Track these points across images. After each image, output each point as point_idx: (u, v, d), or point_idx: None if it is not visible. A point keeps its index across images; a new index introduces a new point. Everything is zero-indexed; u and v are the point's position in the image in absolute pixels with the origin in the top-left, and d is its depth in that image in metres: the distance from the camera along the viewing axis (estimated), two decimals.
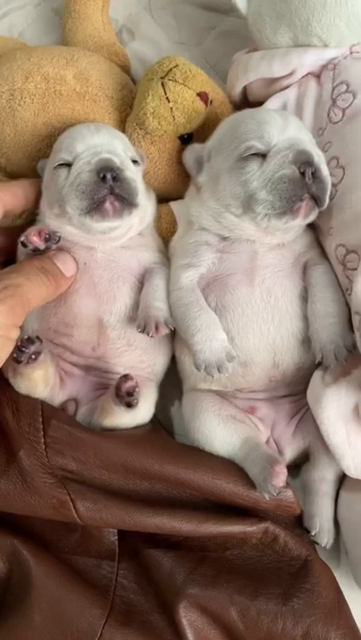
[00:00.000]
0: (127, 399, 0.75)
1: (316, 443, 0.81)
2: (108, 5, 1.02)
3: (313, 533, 0.77)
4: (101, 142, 0.80)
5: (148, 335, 0.78)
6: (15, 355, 0.74)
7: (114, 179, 0.76)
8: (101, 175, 0.76)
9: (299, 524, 0.79)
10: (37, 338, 0.76)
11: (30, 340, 0.75)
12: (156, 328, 0.78)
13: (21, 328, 0.74)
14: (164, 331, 0.78)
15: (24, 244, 0.78)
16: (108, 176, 0.76)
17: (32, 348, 0.75)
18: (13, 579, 0.77)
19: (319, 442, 0.78)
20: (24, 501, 0.74)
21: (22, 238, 0.77)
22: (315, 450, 0.82)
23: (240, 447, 0.78)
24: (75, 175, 0.77)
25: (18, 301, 0.70)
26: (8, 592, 0.77)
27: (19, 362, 0.75)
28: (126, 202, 0.78)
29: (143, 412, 0.83)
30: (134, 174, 0.80)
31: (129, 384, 0.75)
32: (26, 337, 0.75)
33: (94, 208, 0.77)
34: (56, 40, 1.08)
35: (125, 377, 0.76)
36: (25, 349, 0.74)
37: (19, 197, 0.83)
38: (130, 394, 0.75)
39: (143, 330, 0.78)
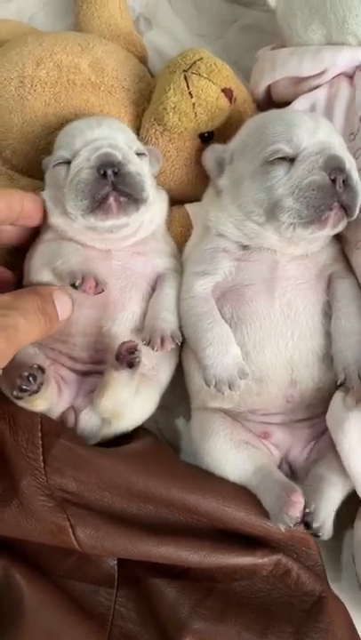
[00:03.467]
0: (129, 357, 0.71)
1: (330, 464, 0.75)
2: None
3: (315, 526, 0.70)
4: (102, 136, 0.75)
5: (153, 349, 0.74)
6: (20, 385, 0.69)
7: (115, 174, 0.72)
8: (102, 172, 0.71)
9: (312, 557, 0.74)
10: (40, 368, 0.71)
11: (33, 376, 0.70)
12: (162, 342, 0.73)
13: None
14: (170, 346, 0.74)
15: (75, 287, 0.71)
16: (109, 172, 0.71)
17: (35, 385, 0.70)
18: (4, 604, 0.71)
19: (335, 463, 0.73)
20: (19, 525, 0.68)
21: (77, 282, 0.71)
22: (327, 469, 0.75)
23: (253, 474, 0.73)
24: (74, 173, 0.73)
25: (11, 344, 0.64)
26: None
27: (23, 392, 0.70)
28: (132, 197, 0.73)
29: (142, 402, 0.79)
30: (139, 167, 0.75)
31: (129, 344, 0.72)
32: (26, 374, 0.70)
33: (97, 207, 0.72)
34: (69, 26, 1.02)
35: (124, 342, 0.72)
36: (27, 387, 0.70)
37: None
38: (131, 352, 0.71)
39: (148, 343, 0.74)
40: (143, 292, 0.78)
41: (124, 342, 0.72)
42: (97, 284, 0.71)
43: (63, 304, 0.72)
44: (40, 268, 0.76)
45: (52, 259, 0.75)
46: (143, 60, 0.95)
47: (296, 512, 0.68)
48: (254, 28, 1.02)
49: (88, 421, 0.78)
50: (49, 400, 0.75)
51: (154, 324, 0.75)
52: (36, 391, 0.71)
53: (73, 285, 0.71)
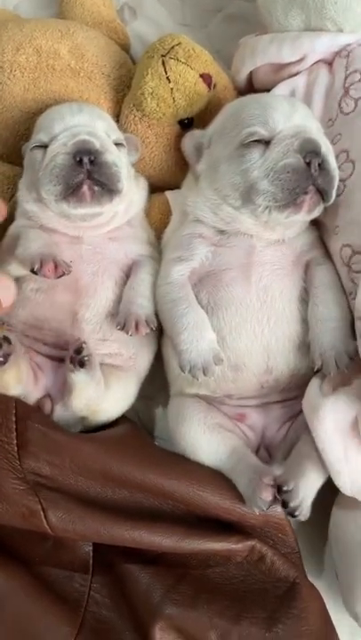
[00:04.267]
0: (78, 358, 0.71)
1: (307, 448, 0.74)
2: None
3: (292, 505, 0.69)
4: (81, 123, 0.75)
5: (128, 334, 0.74)
6: None
7: (92, 162, 0.72)
8: (78, 158, 0.72)
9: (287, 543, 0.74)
10: (6, 338, 0.71)
11: (6, 339, 0.70)
12: (137, 327, 0.74)
13: None
14: (145, 330, 0.75)
15: (35, 273, 0.72)
16: (85, 159, 0.72)
17: (3, 349, 0.70)
18: None
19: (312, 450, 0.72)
20: None
21: (36, 267, 0.71)
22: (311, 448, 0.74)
23: (227, 457, 0.73)
24: (50, 157, 0.73)
25: None
26: None
27: None
28: (106, 187, 0.73)
29: (117, 394, 0.79)
30: (116, 158, 0.75)
31: (75, 343, 0.72)
32: (1, 336, 0.70)
33: (71, 193, 0.72)
34: (53, 15, 1.01)
35: (73, 342, 0.73)
36: None
37: None
38: (78, 351, 0.72)
39: (123, 327, 0.75)
40: (116, 277, 0.79)
41: (72, 342, 0.73)
42: (57, 267, 0.71)
43: (4, 289, 0.71)
44: (5, 257, 0.77)
45: (14, 247, 0.75)
46: (125, 47, 0.95)
47: (269, 495, 0.68)
48: (238, 17, 1.02)
49: (63, 414, 0.77)
50: (21, 380, 0.74)
51: (129, 309, 0.75)
52: (3, 362, 0.70)
53: (33, 271, 0.71)
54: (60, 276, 0.72)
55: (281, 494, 0.68)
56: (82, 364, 0.72)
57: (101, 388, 0.75)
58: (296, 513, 0.69)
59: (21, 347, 0.76)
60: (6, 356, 0.71)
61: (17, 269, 0.76)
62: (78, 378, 0.73)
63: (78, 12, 0.93)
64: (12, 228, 0.81)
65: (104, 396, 0.76)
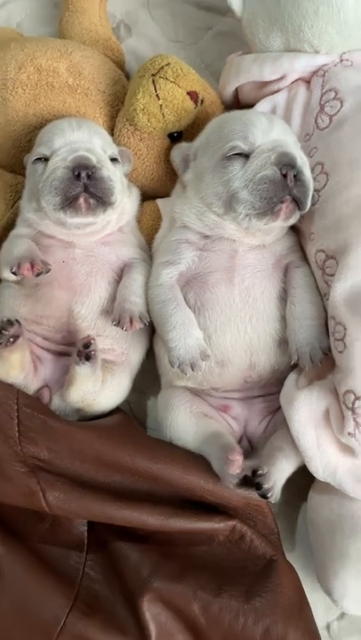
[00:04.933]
0: (85, 352, 0.77)
1: (286, 436, 0.79)
2: (106, 1, 1.03)
3: (265, 487, 0.74)
4: (80, 139, 0.81)
5: (123, 329, 0.79)
6: None
7: (88, 177, 0.78)
8: (76, 173, 0.78)
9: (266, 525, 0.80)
10: (16, 321, 0.78)
11: (10, 323, 0.77)
12: (131, 322, 0.79)
13: None
14: (138, 325, 0.80)
15: (14, 273, 0.79)
16: (83, 174, 0.78)
17: (11, 331, 0.77)
18: None
19: (290, 436, 0.77)
20: None
21: (14, 268, 0.78)
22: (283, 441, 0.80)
23: (207, 441, 0.79)
24: (50, 170, 0.79)
25: None
26: None
27: None
28: (101, 200, 0.79)
29: (113, 388, 0.84)
30: (111, 173, 0.81)
31: (84, 339, 0.78)
32: (5, 319, 0.77)
33: (68, 204, 0.78)
34: (53, 32, 1.08)
35: (82, 338, 0.78)
36: (4, 331, 0.76)
37: None
38: (86, 346, 0.77)
39: (118, 323, 0.80)
40: (109, 277, 0.85)
41: (81, 338, 0.79)
42: (33, 266, 0.78)
43: None
44: (2, 263, 0.84)
45: (5, 255, 0.83)
46: (120, 64, 1.01)
47: (235, 469, 0.73)
48: (228, 34, 1.07)
49: (60, 404, 0.83)
50: (24, 365, 0.80)
51: (123, 306, 0.81)
52: (13, 342, 0.76)
53: (13, 273, 0.78)
54: (39, 274, 0.78)
55: (255, 477, 0.74)
56: (88, 358, 0.77)
57: (99, 385, 0.81)
58: (268, 495, 0.74)
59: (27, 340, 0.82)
60: (16, 337, 0.77)
61: (6, 274, 0.84)
62: (82, 370, 0.78)
63: (77, 31, 0.99)
64: (11, 236, 0.87)
65: (102, 389, 0.82)
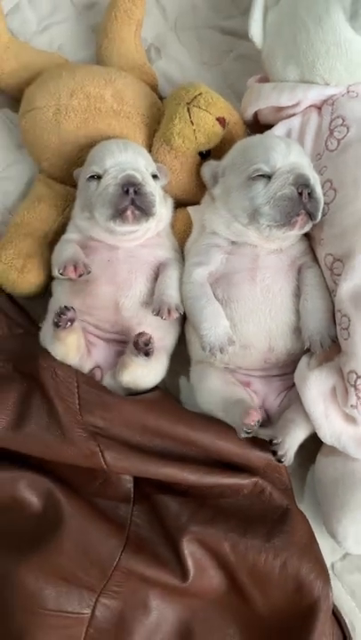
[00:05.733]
0: (145, 349, 0.88)
1: (298, 410, 0.92)
2: (141, 29, 1.12)
3: (280, 453, 0.86)
4: (127, 160, 0.92)
5: (162, 318, 0.90)
6: (55, 319, 0.87)
7: (135, 192, 0.89)
8: (125, 189, 0.89)
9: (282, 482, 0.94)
10: (72, 308, 0.89)
11: (67, 308, 0.88)
12: (169, 312, 0.90)
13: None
14: (175, 314, 0.90)
15: (61, 274, 0.91)
16: (131, 190, 0.88)
17: (68, 315, 0.88)
18: (48, 513, 0.89)
19: (301, 410, 0.90)
20: (62, 450, 0.87)
21: (60, 270, 0.90)
22: (295, 414, 0.92)
23: (232, 404, 0.89)
24: (103, 187, 0.90)
25: None
26: (43, 524, 0.89)
27: (58, 325, 0.88)
28: (144, 211, 0.90)
29: (156, 369, 0.95)
30: (153, 188, 0.93)
31: (145, 337, 0.88)
32: (63, 305, 0.88)
33: (118, 216, 0.90)
34: (91, 55, 1.17)
35: (140, 334, 0.89)
36: (63, 315, 0.87)
37: None
38: (147, 344, 0.89)
39: (158, 313, 0.90)
40: (147, 274, 0.95)
41: (140, 334, 0.88)
42: (76, 268, 0.90)
43: None
44: (53, 264, 0.97)
45: (56, 258, 0.96)
46: (154, 86, 1.11)
47: (251, 420, 0.84)
48: (247, 57, 1.14)
49: (110, 382, 0.96)
50: (80, 346, 0.92)
51: (161, 299, 0.92)
52: (70, 325, 0.88)
53: (60, 273, 0.91)
54: (81, 275, 0.90)
55: (272, 446, 0.87)
56: (147, 354, 0.88)
57: (148, 370, 0.93)
58: (283, 459, 0.86)
59: (80, 329, 0.94)
60: (72, 320, 0.88)
61: (56, 272, 0.97)
62: (138, 361, 0.90)
63: (115, 59, 1.08)
64: (62, 240, 0.98)
65: (149, 372, 0.93)
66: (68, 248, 0.96)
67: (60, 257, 0.95)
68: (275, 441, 0.88)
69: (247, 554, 0.85)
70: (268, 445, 0.88)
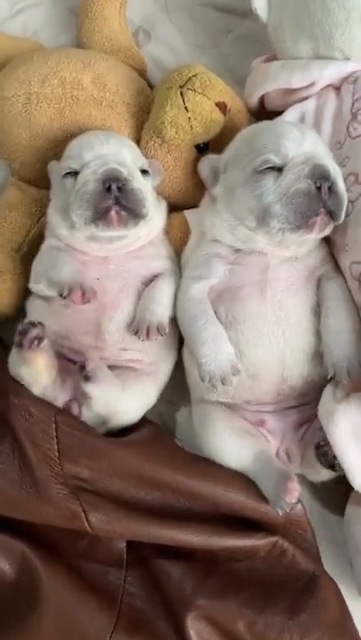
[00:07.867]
0: (83, 373, 0.77)
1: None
2: (126, 7, 1.02)
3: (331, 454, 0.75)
4: (110, 152, 0.81)
5: (139, 339, 0.80)
6: (18, 339, 0.76)
7: (119, 189, 0.77)
8: (107, 185, 0.77)
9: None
10: (39, 323, 0.77)
11: (32, 324, 0.77)
12: (148, 332, 0.80)
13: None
14: (154, 337, 0.80)
15: (64, 297, 0.79)
16: (114, 186, 0.77)
17: (34, 332, 0.76)
18: (22, 583, 0.78)
19: None
20: (37, 510, 0.75)
21: (65, 293, 0.78)
22: None
23: (253, 461, 0.79)
24: (81, 184, 0.79)
25: None
26: (16, 597, 0.78)
27: (21, 346, 0.76)
28: (132, 212, 0.79)
29: (137, 397, 0.84)
30: (142, 185, 0.81)
31: (78, 365, 0.78)
32: (27, 321, 0.77)
33: (99, 217, 0.78)
34: (72, 40, 1.07)
35: (78, 363, 0.79)
36: (28, 333, 0.76)
37: None
38: (82, 367, 0.77)
39: (136, 332, 0.81)
40: (139, 291, 0.85)
41: (78, 363, 0.78)
42: (84, 295, 0.78)
43: None
44: (39, 275, 0.84)
45: (48, 268, 0.82)
46: (142, 72, 1.00)
47: (292, 498, 0.74)
48: (248, 37, 1.06)
49: (89, 415, 0.83)
50: (52, 372, 0.80)
51: (143, 316, 0.81)
52: (37, 344, 0.76)
53: (61, 295, 0.78)
54: (86, 303, 0.78)
55: (319, 449, 0.76)
56: (87, 379, 0.77)
57: (118, 390, 0.80)
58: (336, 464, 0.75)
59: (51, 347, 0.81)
60: (39, 339, 0.76)
61: (46, 289, 0.83)
62: (89, 388, 0.78)
63: (97, 39, 0.98)
64: (45, 248, 0.87)
65: (123, 396, 0.81)
66: (67, 262, 0.83)
67: (61, 273, 0.81)
68: (321, 442, 0.76)
69: (267, 634, 0.74)
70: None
